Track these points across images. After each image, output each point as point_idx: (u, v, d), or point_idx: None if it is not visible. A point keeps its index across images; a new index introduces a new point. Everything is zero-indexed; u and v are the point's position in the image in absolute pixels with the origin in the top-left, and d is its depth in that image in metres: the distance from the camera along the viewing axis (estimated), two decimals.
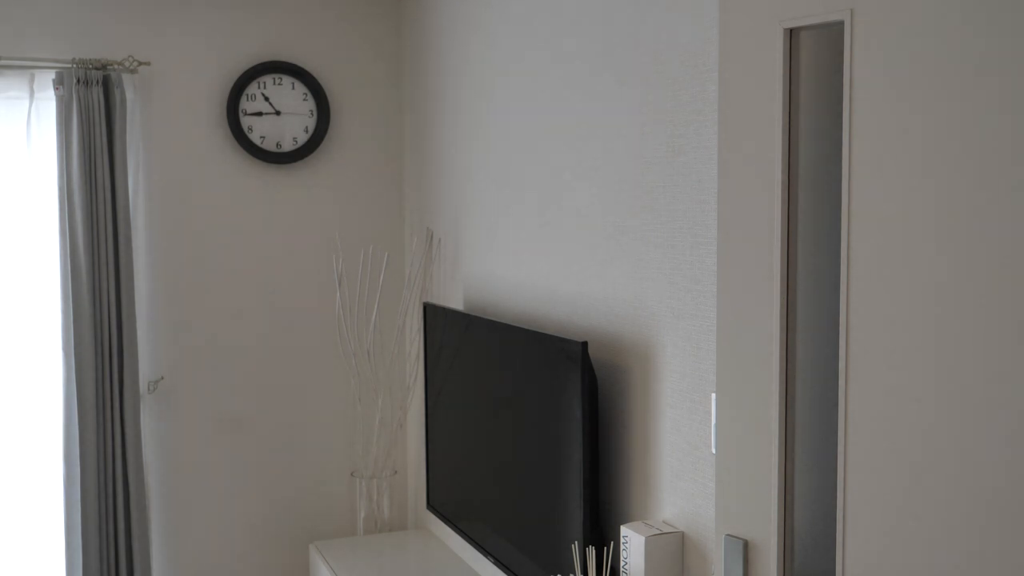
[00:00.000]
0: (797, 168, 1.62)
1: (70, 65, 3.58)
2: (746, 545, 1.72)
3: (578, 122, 2.76)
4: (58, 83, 3.56)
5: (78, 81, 3.55)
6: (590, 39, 2.69)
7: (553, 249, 2.92)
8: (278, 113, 3.93)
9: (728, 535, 1.75)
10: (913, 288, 1.42)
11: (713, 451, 2.21)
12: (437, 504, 3.55)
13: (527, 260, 3.09)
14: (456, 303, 3.66)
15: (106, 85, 3.60)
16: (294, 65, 3.92)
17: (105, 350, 3.61)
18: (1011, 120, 1.28)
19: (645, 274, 2.47)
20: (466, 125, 3.51)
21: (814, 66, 1.61)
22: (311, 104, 3.97)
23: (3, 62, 3.56)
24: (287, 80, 3.93)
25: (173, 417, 3.88)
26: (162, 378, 3.85)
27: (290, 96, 3.94)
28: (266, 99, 3.91)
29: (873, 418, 1.49)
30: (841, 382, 1.53)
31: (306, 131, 3.97)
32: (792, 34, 1.61)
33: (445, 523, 3.49)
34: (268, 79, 3.91)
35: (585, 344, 2.47)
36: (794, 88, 1.62)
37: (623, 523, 2.51)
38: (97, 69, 3.60)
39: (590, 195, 2.71)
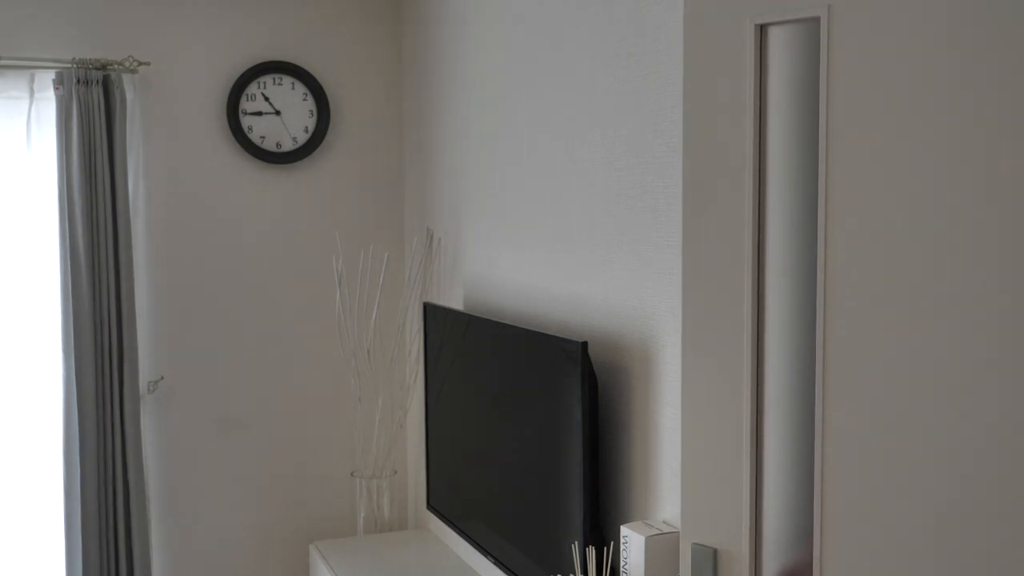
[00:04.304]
0: (766, 171, 1.58)
1: (70, 65, 3.58)
2: (715, 554, 1.68)
3: (578, 121, 2.76)
4: (58, 83, 3.56)
5: (78, 81, 3.55)
6: (590, 39, 2.68)
7: (553, 249, 2.92)
8: (278, 113, 3.93)
9: (696, 544, 1.70)
10: (890, 289, 1.40)
11: None
12: (437, 504, 3.55)
13: (527, 260, 3.09)
14: (456, 303, 3.65)
15: (106, 85, 3.60)
16: (294, 65, 3.92)
17: (105, 350, 3.61)
18: (990, 117, 1.27)
19: (645, 274, 2.47)
20: (466, 125, 3.51)
21: (783, 63, 1.57)
22: (311, 104, 3.97)
23: (3, 62, 3.56)
24: (287, 80, 3.93)
25: (173, 417, 3.88)
26: (162, 378, 3.85)
27: (290, 96, 3.94)
28: (266, 99, 3.91)
29: (848, 421, 1.47)
30: (818, 384, 1.51)
31: (306, 131, 3.97)
32: (762, 30, 1.57)
33: (445, 523, 3.49)
34: (268, 79, 3.91)
35: (585, 344, 2.47)
36: (763, 86, 1.58)
37: (623, 523, 2.51)
38: (97, 69, 3.59)
39: (590, 195, 2.71)
